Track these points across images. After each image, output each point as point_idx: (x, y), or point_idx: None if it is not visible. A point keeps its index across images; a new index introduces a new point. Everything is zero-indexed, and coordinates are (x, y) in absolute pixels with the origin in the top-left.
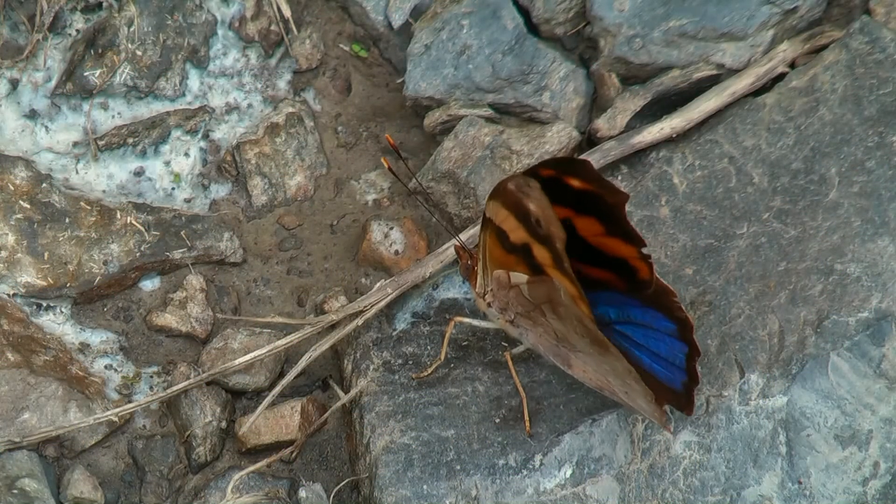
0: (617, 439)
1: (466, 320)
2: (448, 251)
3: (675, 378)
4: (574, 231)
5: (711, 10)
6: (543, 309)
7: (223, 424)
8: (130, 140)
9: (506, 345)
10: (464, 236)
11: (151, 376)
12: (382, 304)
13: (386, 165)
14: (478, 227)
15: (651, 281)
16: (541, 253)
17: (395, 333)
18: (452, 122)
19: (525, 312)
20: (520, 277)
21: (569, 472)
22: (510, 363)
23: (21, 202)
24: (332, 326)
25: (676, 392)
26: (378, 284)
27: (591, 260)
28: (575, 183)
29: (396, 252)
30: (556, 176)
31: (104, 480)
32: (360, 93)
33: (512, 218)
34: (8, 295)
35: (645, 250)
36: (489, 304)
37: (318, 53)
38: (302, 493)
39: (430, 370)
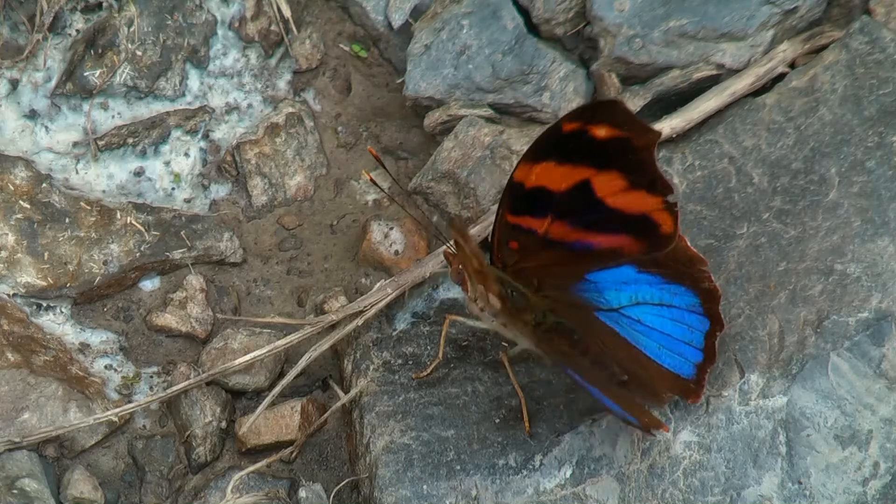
0: (617, 439)
1: (460, 318)
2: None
3: (684, 362)
4: (591, 193)
5: (711, 10)
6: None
7: (223, 424)
8: (130, 140)
9: (506, 345)
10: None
11: (151, 376)
12: (382, 304)
13: (369, 178)
14: (474, 230)
15: (674, 235)
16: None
17: (395, 333)
18: (452, 123)
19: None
20: None
21: (569, 472)
22: (507, 364)
23: (21, 202)
24: (332, 326)
25: (683, 378)
26: (378, 284)
27: (607, 227)
28: (601, 132)
29: (396, 252)
30: (580, 128)
31: (104, 480)
32: (360, 93)
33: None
34: (8, 295)
35: (671, 198)
36: (482, 309)
37: (318, 53)
38: (302, 493)
39: (429, 370)
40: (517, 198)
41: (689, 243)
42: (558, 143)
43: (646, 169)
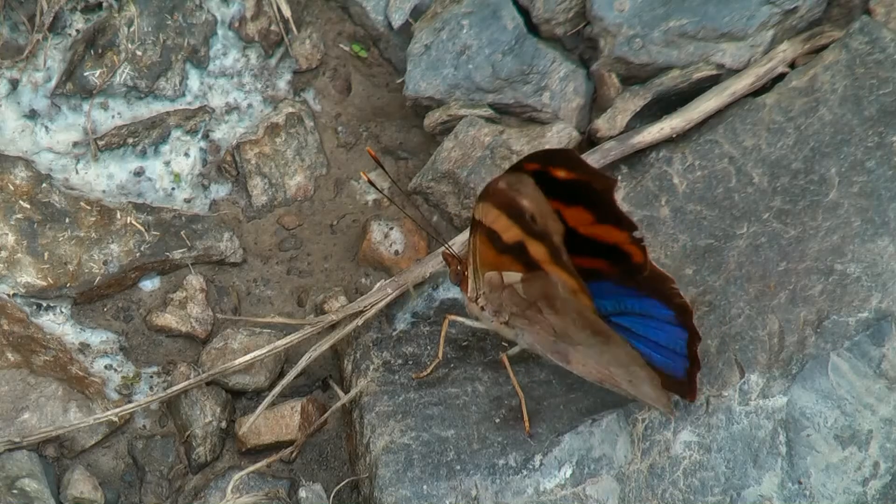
0: (617, 439)
1: (460, 318)
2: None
3: (676, 365)
4: (563, 223)
5: (711, 10)
6: (540, 305)
7: (223, 424)
8: (130, 140)
9: (505, 345)
10: (462, 238)
11: (151, 376)
12: (382, 304)
13: (366, 180)
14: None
15: (645, 264)
16: (536, 249)
17: (395, 333)
18: (452, 123)
19: (520, 312)
20: (513, 277)
21: (569, 472)
22: (507, 364)
23: (21, 202)
24: (332, 326)
25: (678, 379)
26: (378, 284)
27: (583, 250)
28: (561, 174)
29: (396, 252)
30: (541, 169)
31: (104, 480)
32: (360, 93)
33: (504, 217)
34: (8, 295)
35: (637, 234)
36: (482, 308)
37: (318, 53)
38: (302, 493)
39: (429, 370)
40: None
41: (654, 263)
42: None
43: (608, 209)
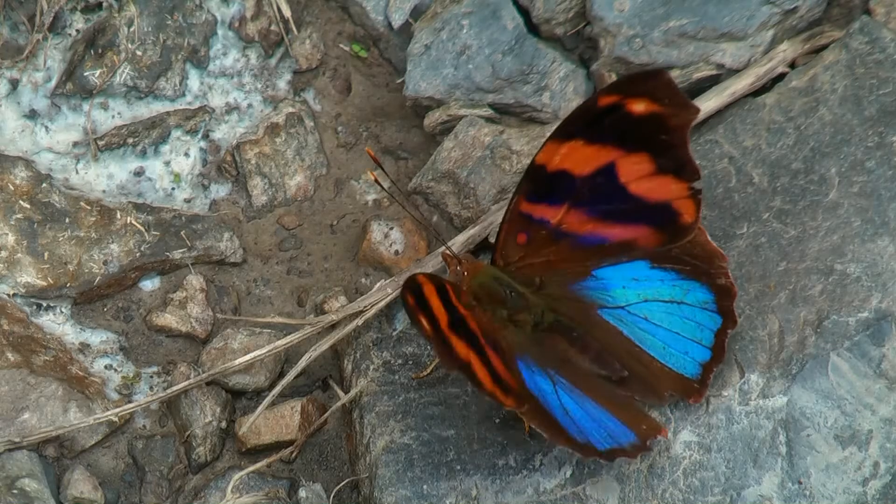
0: None
1: None
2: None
3: (690, 361)
4: (615, 180)
5: (711, 10)
6: None
7: (223, 424)
8: (130, 140)
9: None
10: (462, 238)
11: (151, 376)
12: (382, 304)
13: (373, 178)
14: (474, 230)
15: (695, 224)
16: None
17: (395, 333)
18: (452, 122)
19: None
20: None
21: (569, 472)
22: None
23: (21, 202)
24: (332, 326)
25: (687, 378)
26: (378, 284)
27: (623, 216)
28: (638, 107)
29: (396, 252)
30: (618, 102)
31: (104, 480)
32: (360, 93)
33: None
34: (8, 295)
35: (697, 184)
36: None
37: (318, 53)
38: (302, 493)
39: (429, 370)
40: (536, 182)
41: (708, 237)
42: (591, 120)
43: (676, 151)
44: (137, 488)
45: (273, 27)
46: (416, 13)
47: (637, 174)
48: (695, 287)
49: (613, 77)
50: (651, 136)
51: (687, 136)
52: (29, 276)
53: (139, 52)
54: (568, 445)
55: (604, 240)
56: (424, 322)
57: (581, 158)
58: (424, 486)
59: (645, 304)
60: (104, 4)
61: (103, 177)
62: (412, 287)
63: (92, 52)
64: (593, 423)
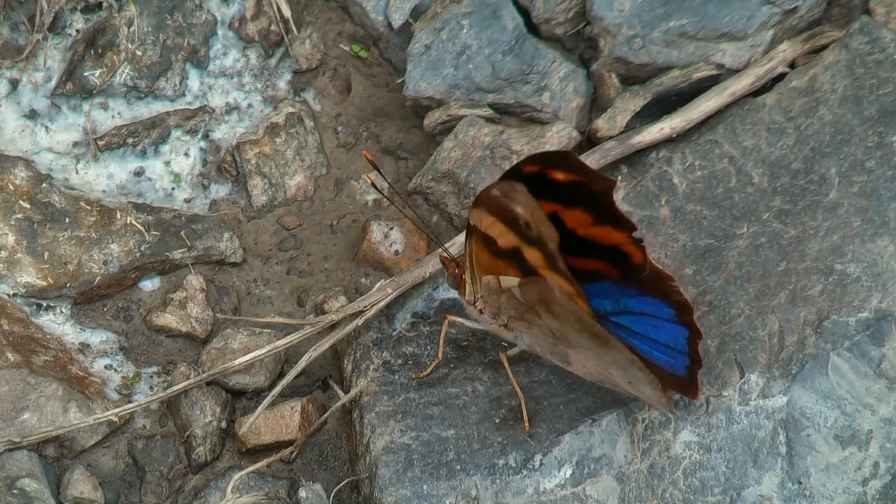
0: (617, 439)
1: (459, 319)
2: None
3: (677, 363)
4: (562, 225)
5: (711, 10)
6: (538, 309)
7: (223, 424)
8: (130, 140)
9: (505, 345)
10: (462, 237)
11: (151, 376)
12: (382, 304)
13: (370, 181)
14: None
15: (645, 264)
16: (532, 255)
17: (395, 333)
18: (452, 122)
19: (518, 315)
20: (510, 281)
21: (569, 472)
22: (506, 365)
23: (21, 202)
24: (332, 326)
25: (680, 377)
26: (378, 284)
27: (582, 252)
28: (559, 176)
29: (396, 252)
30: (540, 171)
31: (104, 480)
32: (360, 93)
33: (499, 223)
34: (8, 295)
35: (636, 234)
36: (480, 311)
37: (318, 53)
38: (302, 493)
39: (429, 370)
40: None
41: (654, 262)
42: (523, 179)
43: (607, 210)
44: (137, 488)
45: (273, 27)
46: (416, 13)
47: (580, 223)
48: (657, 302)
49: (614, 77)
50: (580, 196)
51: (612, 200)
52: (29, 276)
53: (139, 52)
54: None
55: (571, 266)
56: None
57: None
58: (424, 486)
59: (625, 315)
60: (104, 4)
61: (103, 177)
62: None
63: (92, 52)
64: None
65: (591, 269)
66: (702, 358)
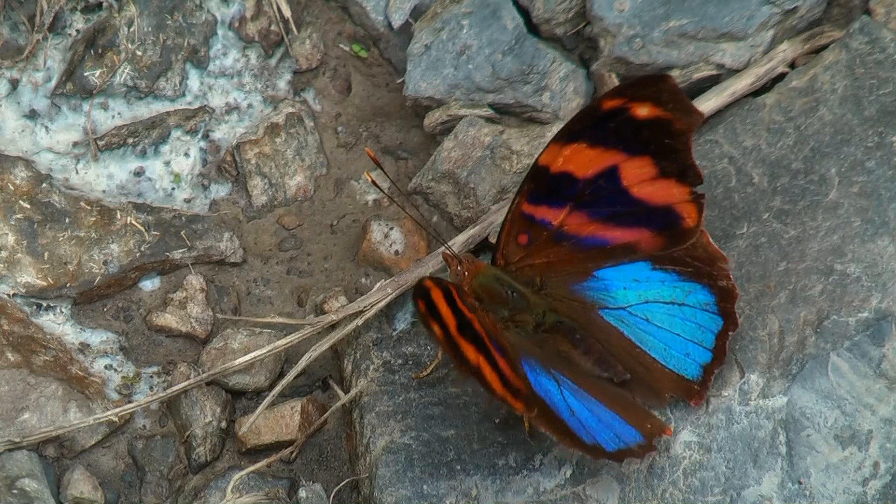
0: None
1: None
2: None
3: (691, 363)
4: (617, 182)
5: (711, 10)
6: None
7: (223, 424)
8: (130, 140)
9: None
10: (462, 238)
11: (151, 376)
12: (382, 304)
13: (370, 180)
14: (474, 230)
15: (697, 228)
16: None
17: (395, 333)
18: (452, 122)
19: None
20: None
21: (569, 472)
22: None
23: (21, 202)
24: (332, 326)
25: (687, 380)
26: (378, 284)
27: (624, 220)
28: (642, 111)
29: (396, 252)
30: (621, 106)
31: (104, 480)
32: (360, 93)
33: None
34: (8, 295)
35: (699, 188)
36: None
37: (318, 53)
38: (302, 493)
39: (429, 370)
40: (539, 183)
41: (710, 239)
42: (594, 123)
43: (679, 156)
44: (137, 488)
45: (273, 27)
46: (416, 13)
47: (639, 178)
48: (696, 289)
49: (613, 77)
50: (654, 140)
51: (690, 141)
52: (29, 276)
53: (139, 52)
54: (578, 448)
55: (605, 242)
56: (436, 328)
57: (584, 161)
58: (424, 486)
59: (646, 305)
60: (104, 4)
61: (103, 177)
62: (421, 293)
63: (92, 52)
64: (600, 424)
65: (630, 243)
66: (726, 355)
